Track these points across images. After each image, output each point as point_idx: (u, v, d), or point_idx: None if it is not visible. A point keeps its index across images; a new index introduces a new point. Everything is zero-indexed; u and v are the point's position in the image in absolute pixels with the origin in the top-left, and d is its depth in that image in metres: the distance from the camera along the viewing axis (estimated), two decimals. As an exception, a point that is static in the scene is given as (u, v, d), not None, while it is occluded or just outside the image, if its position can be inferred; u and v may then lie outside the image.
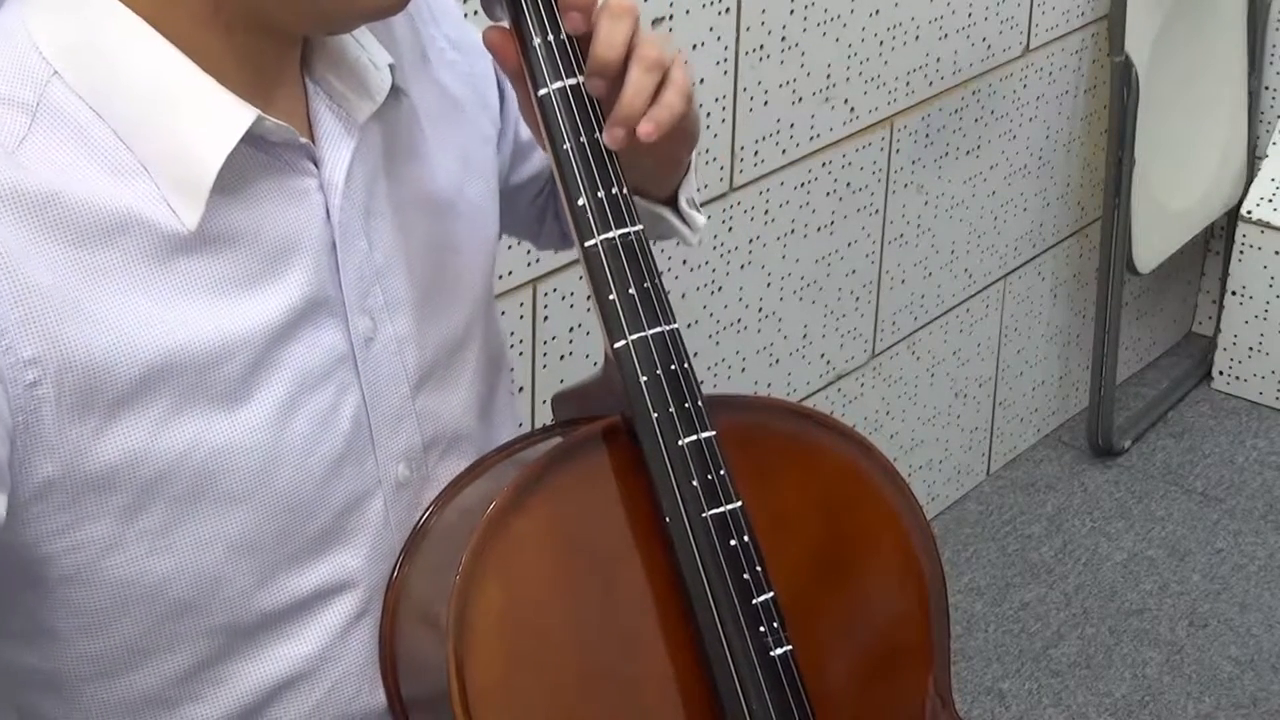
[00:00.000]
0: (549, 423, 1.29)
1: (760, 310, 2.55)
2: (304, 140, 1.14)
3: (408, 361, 1.22)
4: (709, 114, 2.34)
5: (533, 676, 1.14)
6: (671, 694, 1.18)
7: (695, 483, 1.17)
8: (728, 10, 2.31)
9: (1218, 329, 3.44)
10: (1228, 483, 3.18)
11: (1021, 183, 3.01)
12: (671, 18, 2.22)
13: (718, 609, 1.17)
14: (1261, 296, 3.34)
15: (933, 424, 2.99)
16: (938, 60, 2.72)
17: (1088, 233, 3.23)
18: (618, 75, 1.18)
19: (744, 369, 2.56)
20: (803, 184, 2.55)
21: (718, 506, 1.17)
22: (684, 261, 2.37)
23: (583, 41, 1.19)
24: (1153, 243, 3.19)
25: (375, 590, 1.22)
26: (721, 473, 1.18)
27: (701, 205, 1.40)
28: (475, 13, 1.82)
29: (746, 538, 1.18)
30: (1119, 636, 2.80)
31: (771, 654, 1.18)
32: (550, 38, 1.18)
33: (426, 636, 1.18)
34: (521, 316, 2.16)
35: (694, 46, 2.28)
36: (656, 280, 1.19)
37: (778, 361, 2.62)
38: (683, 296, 2.38)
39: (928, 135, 2.76)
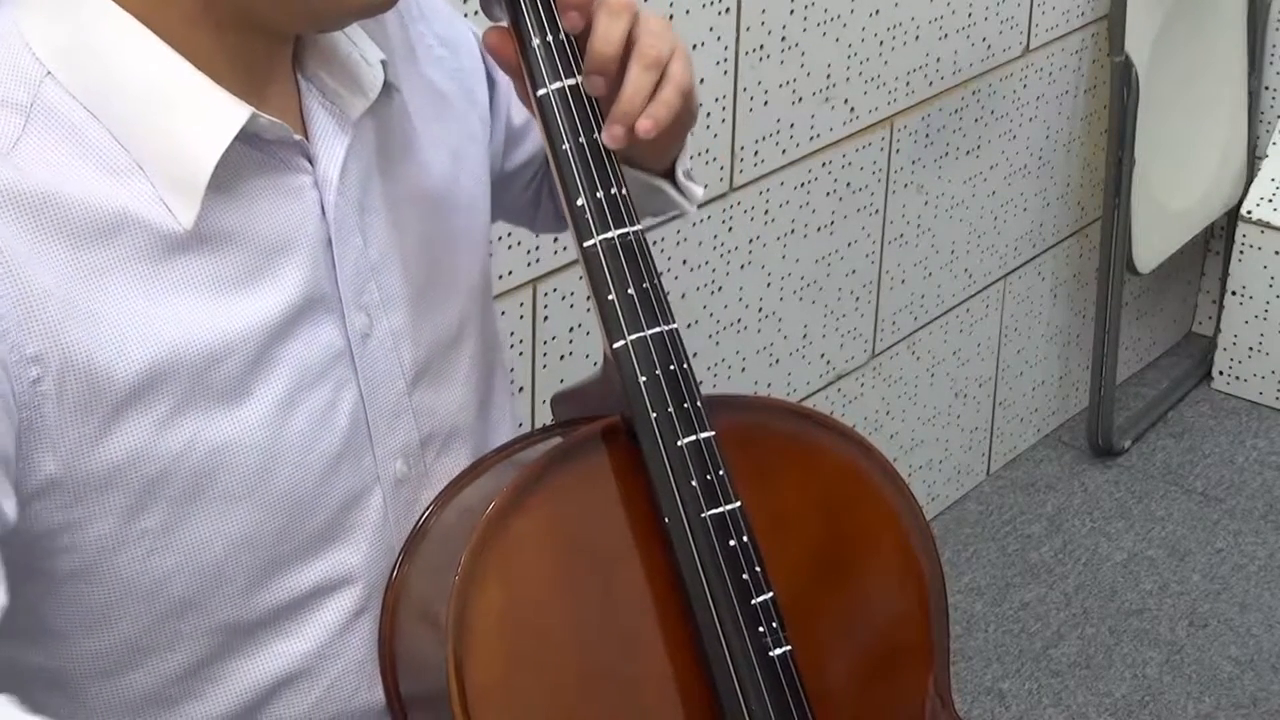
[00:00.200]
0: (548, 423, 1.29)
1: (760, 310, 2.55)
2: (298, 137, 1.15)
3: (404, 357, 1.22)
4: (709, 114, 2.34)
5: (532, 676, 1.14)
6: (671, 694, 1.18)
7: (694, 483, 1.17)
8: (728, 10, 2.31)
9: (1218, 329, 3.44)
10: (1228, 483, 3.18)
11: (1021, 183, 3.01)
12: (671, 18, 2.22)
13: (717, 609, 1.17)
14: (1261, 296, 3.34)
15: (933, 424, 2.99)
16: (938, 60, 2.72)
17: (1088, 233, 3.23)
18: (616, 72, 1.18)
19: (744, 369, 2.56)
20: (803, 184, 2.55)
21: (717, 507, 1.17)
22: (684, 261, 2.37)
23: (581, 41, 1.19)
24: (1153, 243, 3.19)
25: (374, 587, 1.22)
26: (721, 473, 1.18)
27: (701, 205, 1.40)
28: (475, 13, 1.82)
29: (746, 538, 1.18)
30: (1119, 636, 2.80)
31: (771, 654, 1.18)
32: (549, 38, 1.18)
33: (426, 636, 1.18)
34: (521, 316, 2.16)
35: (694, 46, 2.28)
36: (656, 280, 1.19)
37: (778, 361, 2.62)
38: (683, 296, 2.38)
39: (928, 135, 2.76)
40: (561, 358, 2.22)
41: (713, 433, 1.18)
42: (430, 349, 1.25)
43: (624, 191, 1.19)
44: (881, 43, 2.60)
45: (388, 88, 1.20)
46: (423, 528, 1.23)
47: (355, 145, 1.18)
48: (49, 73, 1.08)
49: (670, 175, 1.35)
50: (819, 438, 1.28)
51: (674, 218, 1.41)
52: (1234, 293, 3.38)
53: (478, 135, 1.33)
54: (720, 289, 2.45)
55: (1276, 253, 3.31)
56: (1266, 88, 3.42)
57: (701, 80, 2.30)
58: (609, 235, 1.18)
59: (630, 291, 1.18)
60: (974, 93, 2.82)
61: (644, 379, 1.17)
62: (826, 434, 1.28)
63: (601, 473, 1.19)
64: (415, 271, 1.23)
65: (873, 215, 2.71)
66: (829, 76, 2.52)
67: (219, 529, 1.13)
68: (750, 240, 2.48)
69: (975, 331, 3.03)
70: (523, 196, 1.47)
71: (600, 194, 1.18)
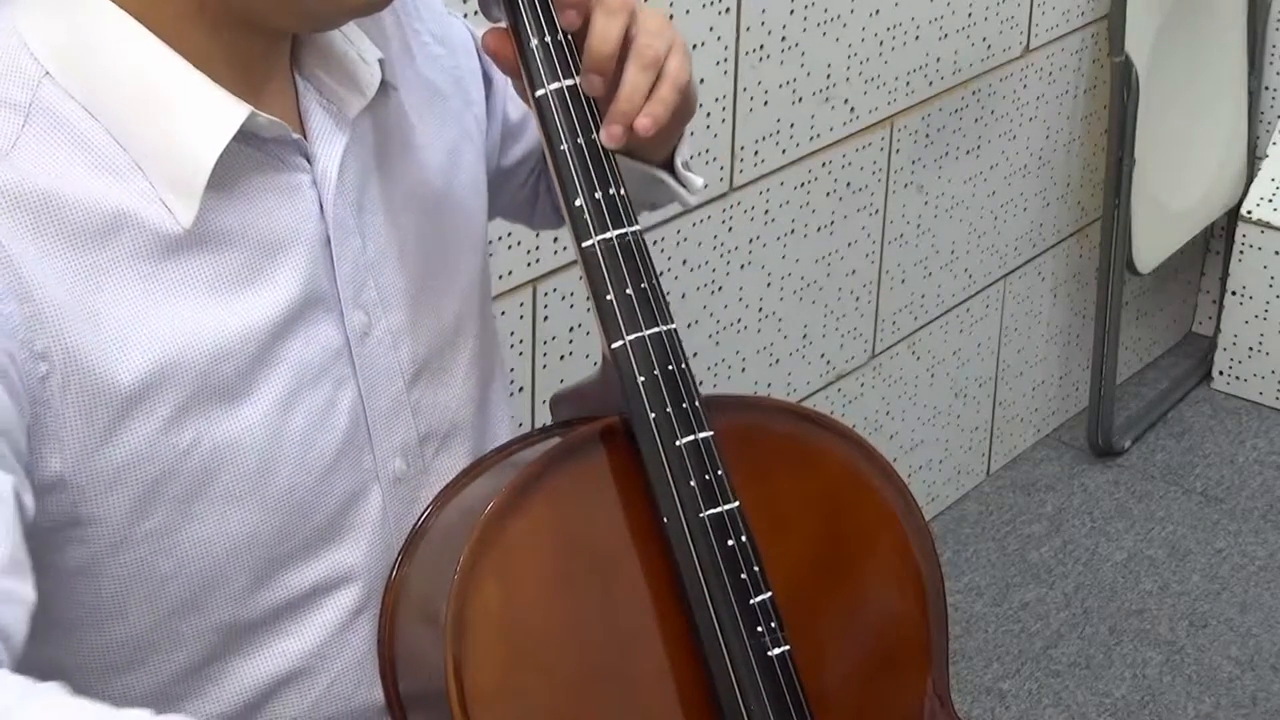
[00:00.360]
0: (548, 423, 1.29)
1: (760, 310, 2.55)
2: (296, 136, 1.15)
3: (402, 355, 1.22)
4: (709, 114, 2.34)
5: (531, 676, 1.14)
6: (669, 693, 1.18)
7: (693, 483, 1.17)
8: (728, 10, 2.31)
9: (1218, 329, 3.44)
10: (1228, 483, 3.18)
11: (1021, 183, 3.01)
12: (671, 18, 2.22)
13: (715, 609, 1.17)
14: (1261, 296, 3.34)
15: (933, 424, 2.99)
16: (938, 60, 2.72)
17: (1088, 233, 3.23)
18: (614, 71, 1.18)
19: (744, 369, 2.56)
20: (803, 184, 2.55)
21: (715, 507, 1.17)
22: (684, 261, 2.37)
23: (579, 41, 1.19)
24: (1153, 243, 3.19)
25: (374, 586, 1.22)
26: (719, 473, 1.18)
27: (701, 205, 1.41)
28: (474, 13, 1.82)
29: (744, 538, 1.18)
30: (1119, 636, 2.80)
31: (769, 654, 1.18)
32: (547, 38, 1.18)
33: (425, 636, 1.18)
34: (521, 316, 2.16)
35: (694, 46, 2.28)
36: (654, 280, 1.19)
37: (778, 361, 2.62)
38: (683, 296, 2.38)
39: (928, 135, 2.76)
40: (561, 358, 2.22)
41: (711, 433, 1.18)
42: (429, 347, 1.25)
43: (622, 192, 1.19)
44: (881, 43, 2.60)
45: (385, 86, 1.21)
46: (421, 528, 1.23)
47: (353, 144, 1.19)
48: (47, 73, 1.08)
49: (670, 166, 1.35)
50: (818, 438, 1.28)
51: (674, 217, 1.41)
52: (1234, 293, 3.38)
53: (474, 133, 1.34)
54: (720, 289, 2.45)
55: (1276, 253, 3.31)
56: (1266, 88, 3.42)
57: (701, 80, 2.30)
58: (608, 235, 1.18)
59: (629, 292, 1.18)
60: (974, 93, 2.82)
61: (643, 379, 1.17)
62: (826, 434, 1.28)
63: (600, 473, 1.19)
64: (413, 269, 1.23)
65: (873, 215, 2.71)
66: (829, 76, 2.52)
67: (220, 528, 1.13)
68: (750, 240, 2.48)
69: (975, 331, 3.03)
70: (520, 193, 1.48)
71: (599, 194, 1.18)
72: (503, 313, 2.11)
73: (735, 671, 1.18)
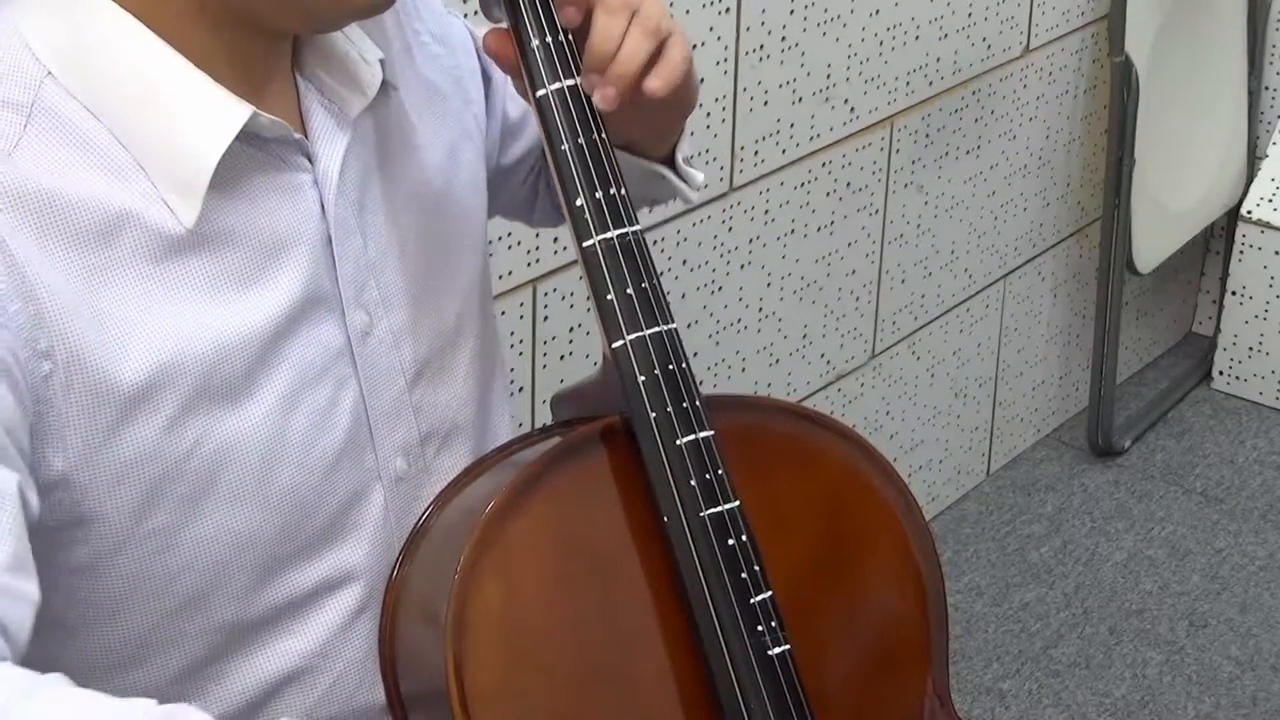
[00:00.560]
0: (548, 423, 1.29)
1: (760, 310, 2.55)
2: (298, 136, 1.15)
3: (404, 355, 1.22)
4: (709, 114, 2.34)
5: (531, 676, 1.14)
6: (670, 693, 1.18)
7: (693, 482, 1.17)
8: (728, 10, 2.31)
9: (1218, 329, 3.44)
10: (1228, 483, 3.18)
11: (1021, 183, 3.01)
12: (671, 18, 2.22)
13: (716, 608, 1.17)
14: (1261, 296, 3.34)
15: (933, 424, 2.99)
16: (938, 60, 2.72)
17: (1088, 233, 3.23)
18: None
19: (744, 369, 2.56)
20: (803, 184, 2.55)
21: (715, 506, 1.17)
22: (684, 261, 2.37)
23: (580, 42, 1.19)
24: (1153, 243, 3.19)
25: (375, 585, 1.22)
26: (720, 472, 1.18)
27: (701, 205, 1.41)
28: (474, 13, 1.82)
29: (745, 537, 1.18)
30: (1119, 636, 2.80)
31: (770, 653, 1.18)
32: (548, 39, 1.18)
33: (425, 636, 1.18)
34: (521, 316, 2.16)
35: (694, 46, 2.28)
36: (655, 280, 1.19)
37: (778, 361, 2.62)
38: (683, 296, 2.38)
39: (928, 135, 2.76)
40: (561, 358, 2.22)
41: (712, 432, 1.18)
42: (430, 346, 1.25)
43: (623, 191, 1.19)
44: (881, 43, 2.60)
45: (385, 86, 1.21)
46: (422, 527, 1.23)
47: (354, 144, 1.19)
48: (49, 73, 1.08)
49: (670, 162, 1.35)
50: (818, 438, 1.28)
51: (674, 217, 1.41)
52: (1234, 293, 3.38)
53: (474, 132, 1.34)
54: (720, 289, 2.45)
55: (1276, 253, 3.31)
56: (1266, 88, 3.42)
57: (701, 80, 2.30)
58: (608, 235, 1.18)
59: (629, 291, 1.18)
60: (974, 93, 2.83)
61: (643, 378, 1.17)
62: (826, 434, 1.28)
63: (601, 472, 1.19)
64: (414, 269, 1.24)
65: (873, 215, 2.71)
66: (829, 76, 2.53)
67: (223, 528, 1.13)
68: (750, 240, 2.48)
69: (975, 331, 3.03)
70: (520, 191, 1.48)
71: (599, 194, 1.18)
72: (503, 313, 2.11)
73: (735, 671, 1.18)
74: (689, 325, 2.41)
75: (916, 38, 2.66)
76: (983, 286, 3.01)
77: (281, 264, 1.14)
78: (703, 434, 1.18)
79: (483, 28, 1.27)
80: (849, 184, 2.63)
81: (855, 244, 2.69)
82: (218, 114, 1.10)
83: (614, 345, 1.18)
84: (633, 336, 1.18)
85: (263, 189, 1.14)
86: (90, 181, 1.07)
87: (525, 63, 1.19)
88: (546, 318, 2.19)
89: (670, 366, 1.18)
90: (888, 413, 2.88)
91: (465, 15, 1.60)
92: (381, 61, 1.20)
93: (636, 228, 1.19)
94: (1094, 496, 3.14)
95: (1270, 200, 3.33)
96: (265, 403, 1.13)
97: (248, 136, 1.11)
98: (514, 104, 1.40)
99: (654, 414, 1.17)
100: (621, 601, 1.18)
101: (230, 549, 1.14)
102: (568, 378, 2.19)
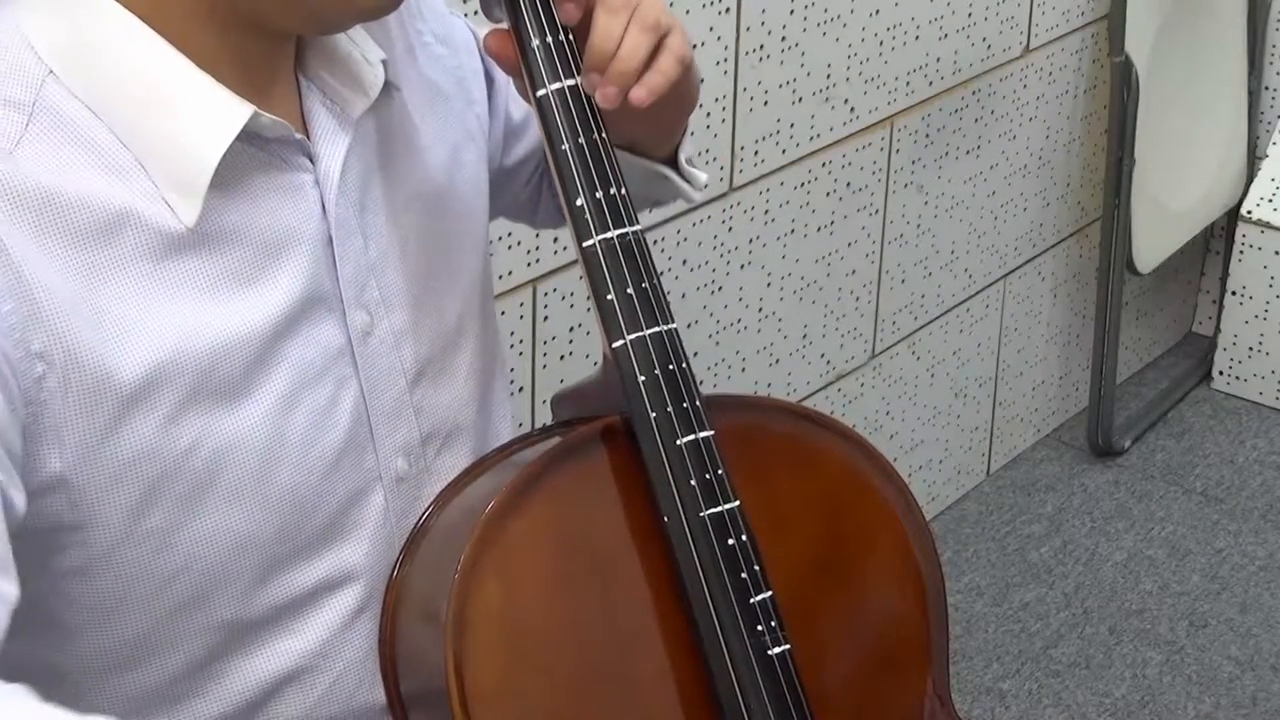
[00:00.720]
0: (548, 423, 1.29)
1: (760, 310, 2.55)
2: (299, 136, 1.15)
3: (404, 355, 1.22)
4: (709, 114, 2.34)
5: (531, 675, 1.15)
6: (670, 692, 1.18)
7: (693, 482, 1.17)
8: (728, 10, 2.31)
9: (1218, 329, 3.44)
10: (1228, 483, 3.18)
11: (1021, 183, 3.01)
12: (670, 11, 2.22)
13: (716, 608, 1.17)
14: (1261, 296, 3.35)
15: (933, 424, 2.99)
16: (938, 60, 2.73)
17: (1088, 233, 3.23)
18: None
19: (744, 369, 2.56)
20: (803, 184, 2.55)
21: (715, 506, 1.18)
22: (684, 261, 2.37)
23: (581, 42, 1.19)
24: (1153, 243, 3.19)
25: (375, 585, 1.22)
26: (720, 472, 1.18)
27: (701, 205, 1.41)
28: (475, 13, 1.82)
29: (745, 537, 1.18)
30: (1119, 636, 2.80)
31: (769, 653, 1.18)
32: (549, 39, 1.18)
33: (426, 636, 1.18)
34: (521, 316, 2.16)
35: (694, 46, 2.28)
36: (655, 280, 1.19)
37: (778, 361, 2.62)
38: (683, 296, 2.38)
39: (928, 135, 2.76)
40: (561, 358, 2.22)
41: (712, 432, 1.18)
42: (431, 347, 1.25)
43: (623, 191, 1.19)
44: (881, 43, 2.60)
45: (388, 87, 1.21)
46: (422, 527, 1.23)
47: (356, 144, 1.19)
48: (51, 72, 1.08)
49: (673, 162, 1.35)
50: (819, 438, 1.28)
51: (674, 217, 1.41)
52: (1234, 293, 3.38)
53: (476, 133, 1.34)
54: (720, 289, 2.46)
55: (1276, 253, 3.31)
56: (1266, 88, 3.42)
57: (701, 80, 2.30)
58: (608, 235, 1.18)
59: (629, 291, 1.18)
60: (974, 93, 2.83)
61: (643, 378, 1.17)
62: (826, 434, 1.28)
63: (601, 472, 1.19)
64: (415, 269, 1.24)
65: (873, 215, 2.71)
66: (829, 76, 2.53)
67: (222, 527, 1.13)
68: (750, 240, 2.48)
69: (975, 331, 3.03)
70: (523, 192, 1.48)
71: (600, 194, 1.19)
72: (503, 313, 2.11)
73: (735, 670, 1.18)
74: (689, 325, 2.41)
75: (916, 38, 2.66)
76: (983, 286, 3.01)
77: (282, 264, 1.14)
78: (703, 434, 1.18)
79: (484, 28, 1.27)
80: (849, 184, 2.63)
81: (855, 244, 2.69)
82: (219, 114, 1.10)
83: (614, 345, 1.18)
84: (633, 336, 1.18)
85: (264, 189, 1.14)
86: (91, 180, 1.07)
87: (526, 63, 1.19)
88: (546, 318, 2.19)
89: (670, 366, 1.18)
90: (888, 413, 2.88)
91: (466, 15, 1.60)
92: (384, 62, 1.20)
93: (637, 228, 1.19)
94: (1094, 496, 3.14)
95: (1270, 200, 3.33)
96: (264, 402, 1.14)
97: (249, 136, 1.11)
98: (517, 105, 1.40)
99: (654, 414, 1.17)
100: (621, 601, 1.18)
101: (229, 549, 1.14)
102: (568, 378, 2.19)
